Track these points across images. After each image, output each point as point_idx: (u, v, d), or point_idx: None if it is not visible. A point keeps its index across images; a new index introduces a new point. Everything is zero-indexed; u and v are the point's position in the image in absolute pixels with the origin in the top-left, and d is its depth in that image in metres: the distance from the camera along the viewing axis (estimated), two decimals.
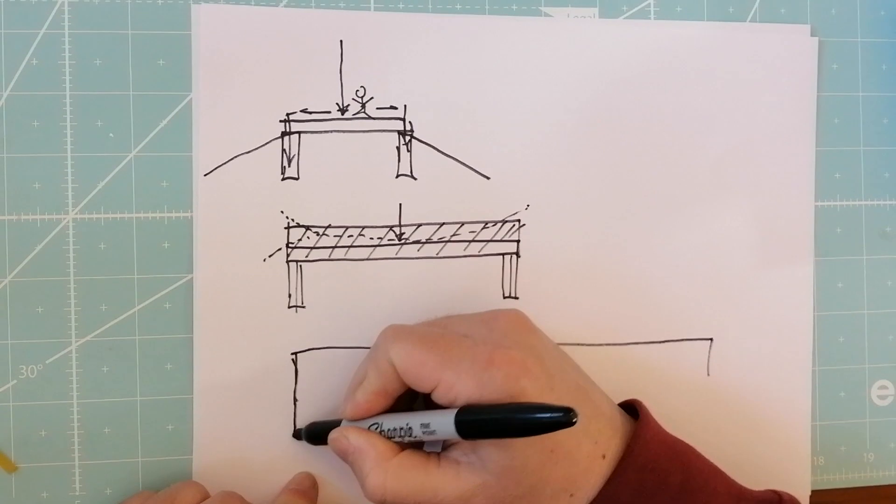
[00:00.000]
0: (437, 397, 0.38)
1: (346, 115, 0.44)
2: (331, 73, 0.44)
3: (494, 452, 0.37)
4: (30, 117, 0.43)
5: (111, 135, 0.43)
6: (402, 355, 0.38)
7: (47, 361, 0.43)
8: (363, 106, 0.44)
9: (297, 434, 0.44)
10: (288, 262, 0.44)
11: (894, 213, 0.48)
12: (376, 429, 0.39)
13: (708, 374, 0.47)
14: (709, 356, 0.47)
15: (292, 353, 0.44)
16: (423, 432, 0.37)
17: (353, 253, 0.44)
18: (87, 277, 0.43)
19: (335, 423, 0.41)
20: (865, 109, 0.48)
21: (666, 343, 0.46)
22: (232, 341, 0.43)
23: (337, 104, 0.44)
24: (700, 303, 0.47)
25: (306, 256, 0.44)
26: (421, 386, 0.38)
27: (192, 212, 0.43)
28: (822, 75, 0.47)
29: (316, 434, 0.42)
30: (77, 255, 0.43)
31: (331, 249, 0.44)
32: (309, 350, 0.44)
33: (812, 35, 0.47)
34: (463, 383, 0.37)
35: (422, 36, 0.45)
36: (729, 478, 0.41)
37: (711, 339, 0.47)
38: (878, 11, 0.48)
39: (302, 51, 0.44)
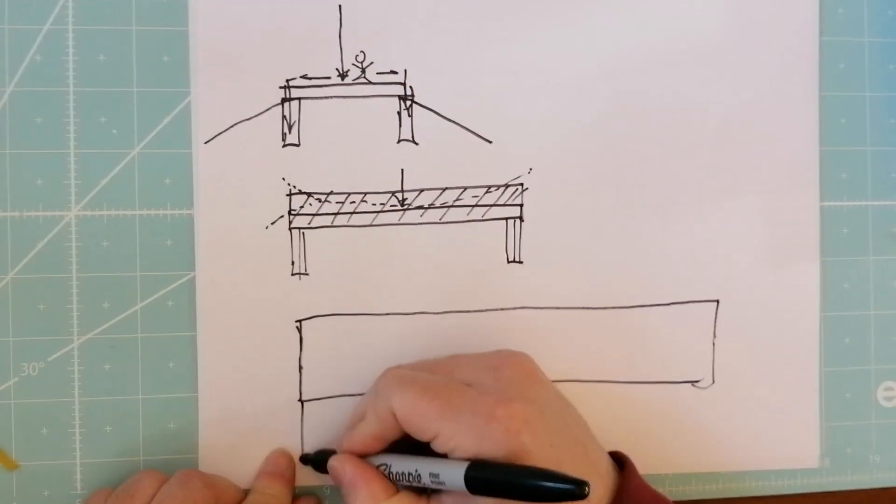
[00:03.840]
0: (437, 447, 0.38)
1: (347, 80, 0.44)
2: (330, 38, 0.44)
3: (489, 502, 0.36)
4: (33, 113, 0.42)
5: (114, 131, 0.43)
6: (403, 405, 0.38)
7: (49, 359, 0.43)
8: (363, 71, 0.44)
9: (305, 459, 0.44)
10: (290, 229, 0.44)
11: None
12: (385, 469, 0.39)
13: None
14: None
15: (297, 321, 0.44)
16: (432, 482, 0.37)
17: (355, 219, 0.44)
18: (89, 275, 0.43)
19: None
20: (872, 109, 0.48)
21: (672, 305, 0.46)
22: (235, 318, 0.43)
23: (337, 69, 0.44)
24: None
25: (309, 223, 0.44)
26: (421, 435, 0.38)
27: (194, 209, 0.43)
28: (829, 75, 0.47)
29: (322, 461, 0.42)
30: (79, 253, 0.43)
31: (333, 216, 0.44)
32: (314, 317, 0.44)
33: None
34: (463, 436, 0.37)
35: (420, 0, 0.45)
36: None
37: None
38: (886, 11, 0.48)
39: (300, 16, 0.44)
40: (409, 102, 0.45)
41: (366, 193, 0.44)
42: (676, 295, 0.46)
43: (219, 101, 0.43)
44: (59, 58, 0.43)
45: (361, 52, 0.44)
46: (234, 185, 0.43)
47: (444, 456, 0.38)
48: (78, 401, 0.43)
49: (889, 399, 0.48)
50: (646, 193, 0.46)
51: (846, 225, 0.48)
